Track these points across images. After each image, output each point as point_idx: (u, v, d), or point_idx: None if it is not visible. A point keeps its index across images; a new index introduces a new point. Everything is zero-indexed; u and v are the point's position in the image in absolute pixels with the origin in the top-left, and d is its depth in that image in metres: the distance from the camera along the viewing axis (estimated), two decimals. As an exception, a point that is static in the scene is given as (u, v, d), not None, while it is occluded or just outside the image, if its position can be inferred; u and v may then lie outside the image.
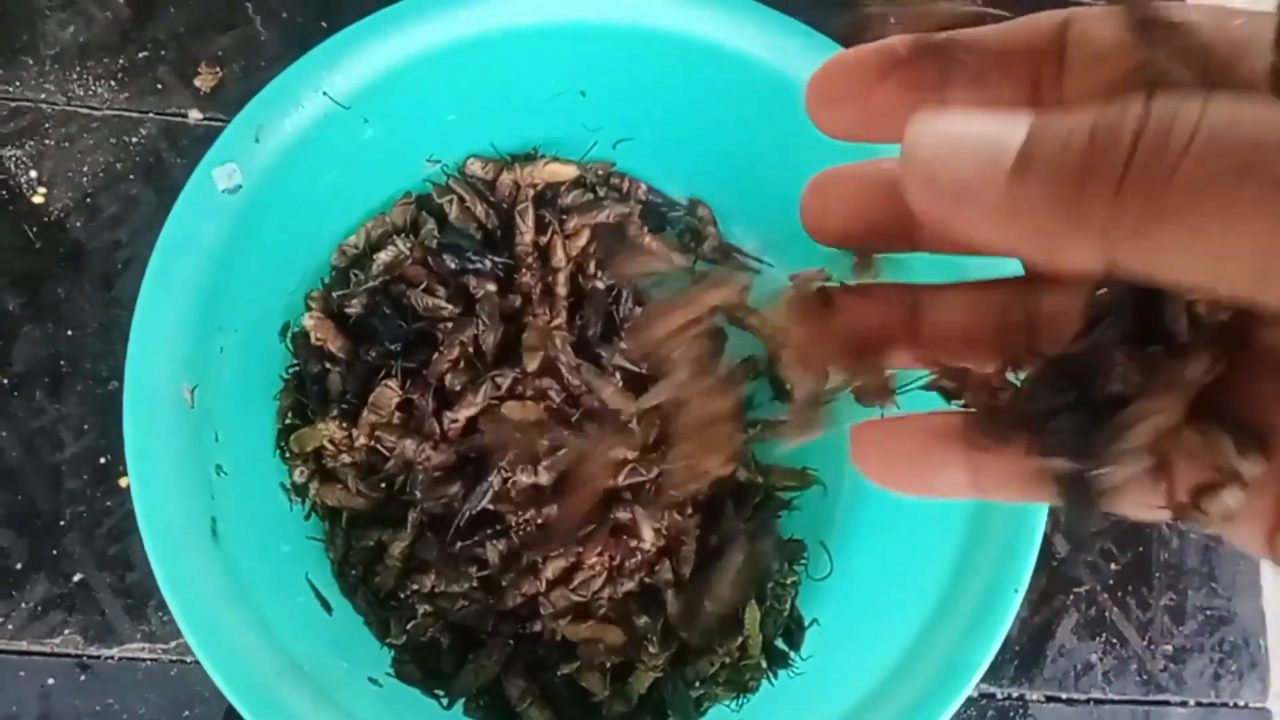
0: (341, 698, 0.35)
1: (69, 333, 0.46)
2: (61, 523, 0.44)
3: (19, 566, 0.44)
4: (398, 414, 0.42)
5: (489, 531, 0.41)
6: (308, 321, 0.43)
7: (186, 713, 0.43)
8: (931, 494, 0.21)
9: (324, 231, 0.43)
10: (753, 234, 0.49)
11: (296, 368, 0.44)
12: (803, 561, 0.43)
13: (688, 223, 0.50)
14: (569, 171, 0.47)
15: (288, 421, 0.43)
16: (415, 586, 0.41)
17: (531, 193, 0.47)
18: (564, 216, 0.47)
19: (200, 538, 0.34)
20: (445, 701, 0.40)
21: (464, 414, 0.42)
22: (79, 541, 0.44)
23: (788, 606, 0.43)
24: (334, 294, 0.43)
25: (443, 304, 0.43)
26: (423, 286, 0.44)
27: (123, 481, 0.45)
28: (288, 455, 0.42)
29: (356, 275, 0.43)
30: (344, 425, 0.41)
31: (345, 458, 0.42)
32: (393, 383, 0.42)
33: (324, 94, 0.39)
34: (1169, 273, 0.14)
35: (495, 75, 0.43)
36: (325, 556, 0.42)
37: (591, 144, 0.47)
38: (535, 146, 0.47)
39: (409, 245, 0.44)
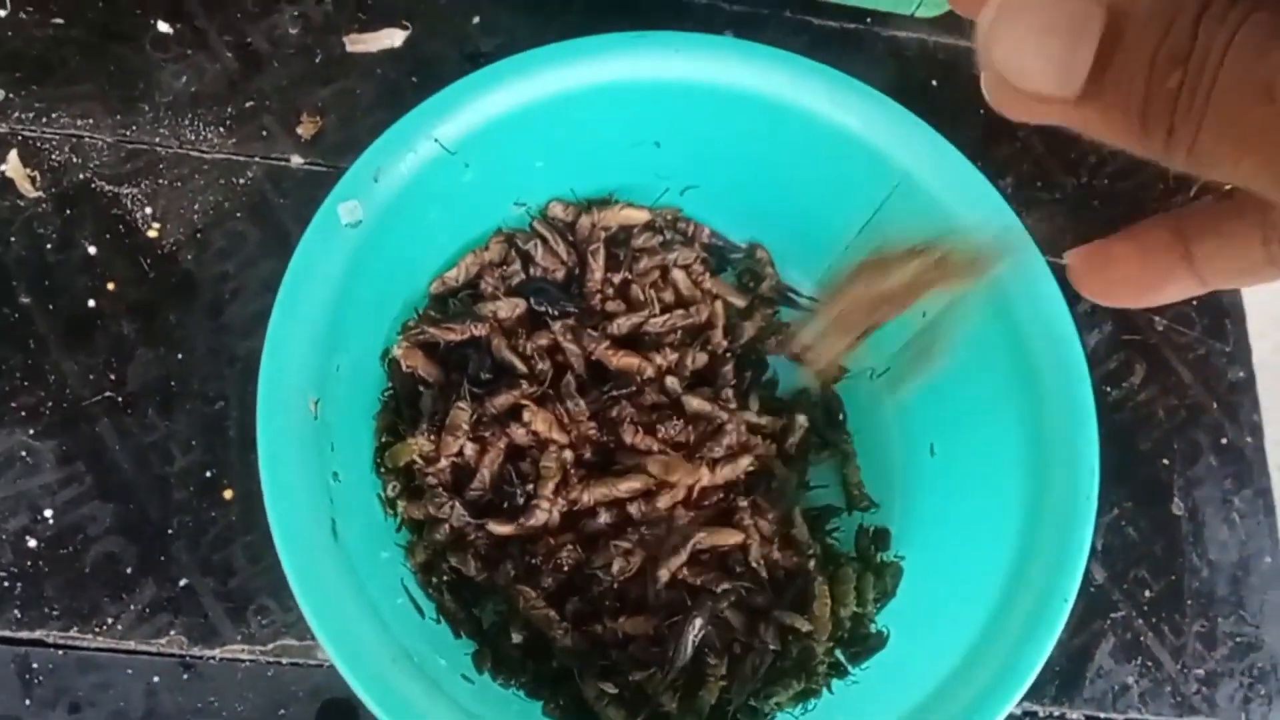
0: (447, 688, 0.38)
1: (179, 356, 0.50)
2: (169, 531, 0.48)
3: (129, 571, 0.47)
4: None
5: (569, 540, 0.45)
6: (397, 350, 0.46)
7: (282, 711, 0.46)
8: (1162, 300, 0.24)
9: (424, 264, 0.47)
10: (807, 276, 0.53)
11: (392, 390, 0.47)
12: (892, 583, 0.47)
13: (747, 264, 0.54)
14: (641, 216, 0.52)
15: (383, 440, 0.46)
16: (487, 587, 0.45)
17: (604, 235, 0.51)
18: (636, 257, 0.51)
19: (323, 536, 0.38)
20: (523, 694, 0.43)
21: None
22: (185, 549, 0.47)
23: (868, 626, 0.46)
24: (426, 324, 0.46)
25: (517, 361, 0.47)
26: (506, 336, 0.48)
27: (227, 494, 0.48)
28: (382, 470, 0.46)
29: (454, 304, 0.47)
30: (432, 439, 0.45)
31: (431, 479, 0.46)
32: (464, 404, 0.45)
33: (435, 140, 0.43)
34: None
35: (579, 127, 0.48)
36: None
37: (662, 191, 0.52)
38: (611, 192, 0.51)
39: (497, 284, 0.48)
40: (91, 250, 0.51)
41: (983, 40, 0.17)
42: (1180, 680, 0.53)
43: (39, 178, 0.52)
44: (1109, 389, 0.57)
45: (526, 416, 0.45)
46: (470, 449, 0.46)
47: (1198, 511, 0.55)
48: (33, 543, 0.47)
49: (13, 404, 0.48)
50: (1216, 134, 0.16)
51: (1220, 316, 0.60)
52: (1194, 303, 0.60)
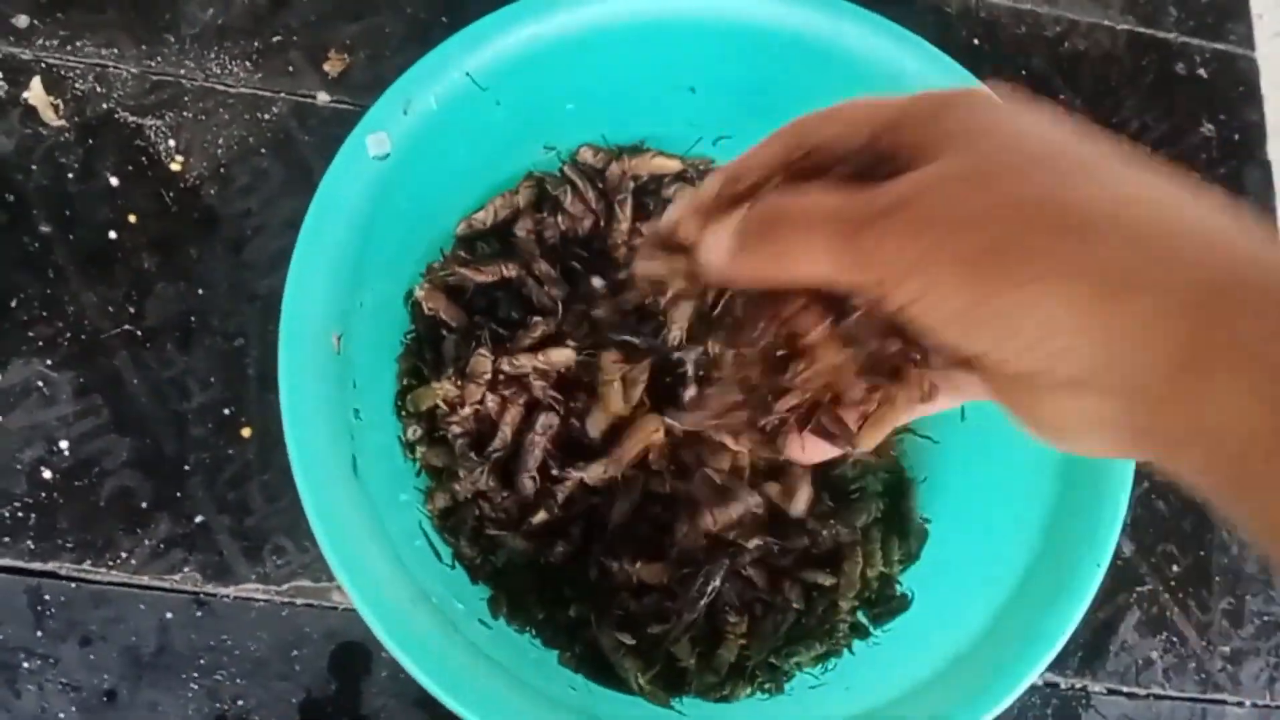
0: (465, 631, 0.37)
1: (199, 291, 0.49)
2: (186, 467, 0.47)
3: (144, 506, 0.46)
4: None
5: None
6: (419, 292, 0.46)
7: (295, 652, 0.45)
8: None
9: (452, 204, 0.46)
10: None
11: (414, 333, 0.46)
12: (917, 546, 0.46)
13: None
14: (673, 165, 0.50)
15: (405, 383, 0.45)
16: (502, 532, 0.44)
17: (632, 184, 0.50)
18: (667, 207, 0.50)
19: (344, 472, 0.37)
20: (539, 641, 0.42)
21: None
22: (201, 486, 0.47)
23: (894, 587, 0.45)
24: (456, 265, 0.45)
25: (548, 298, 0.46)
26: (539, 277, 0.47)
27: (244, 432, 0.48)
28: (404, 414, 0.45)
29: (483, 247, 0.46)
30: (458, 384, 0.44)
31: (456, 427, 0.45)
32: (485, 350, 0.45)
33: (466, 74, 0.42)
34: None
35: (612, 68, 0.46)
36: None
37: (696, 140, 0.50)
38: (643, 140, 0.50)
39: (531, 229, 0.47)
40: (113, 181, 0.50)
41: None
42: (1205, 657, 0.52)
43: (62, 106, 0.51)
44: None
45: (558, 355, 0.44)
46: (491, 401, 0.45)
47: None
48: (48, 474, 0.46)
49: (30, 333, 0.48)
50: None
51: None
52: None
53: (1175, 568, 0.53)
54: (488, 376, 0.44)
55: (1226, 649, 0.52)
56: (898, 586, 0.46)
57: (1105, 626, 0.51)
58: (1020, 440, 0.44)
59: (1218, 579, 0.53)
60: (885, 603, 0.45)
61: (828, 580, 0.43)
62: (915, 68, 0.45)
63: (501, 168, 0.48)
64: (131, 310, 0.49)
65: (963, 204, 0.23)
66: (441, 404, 0.44)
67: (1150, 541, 0.53)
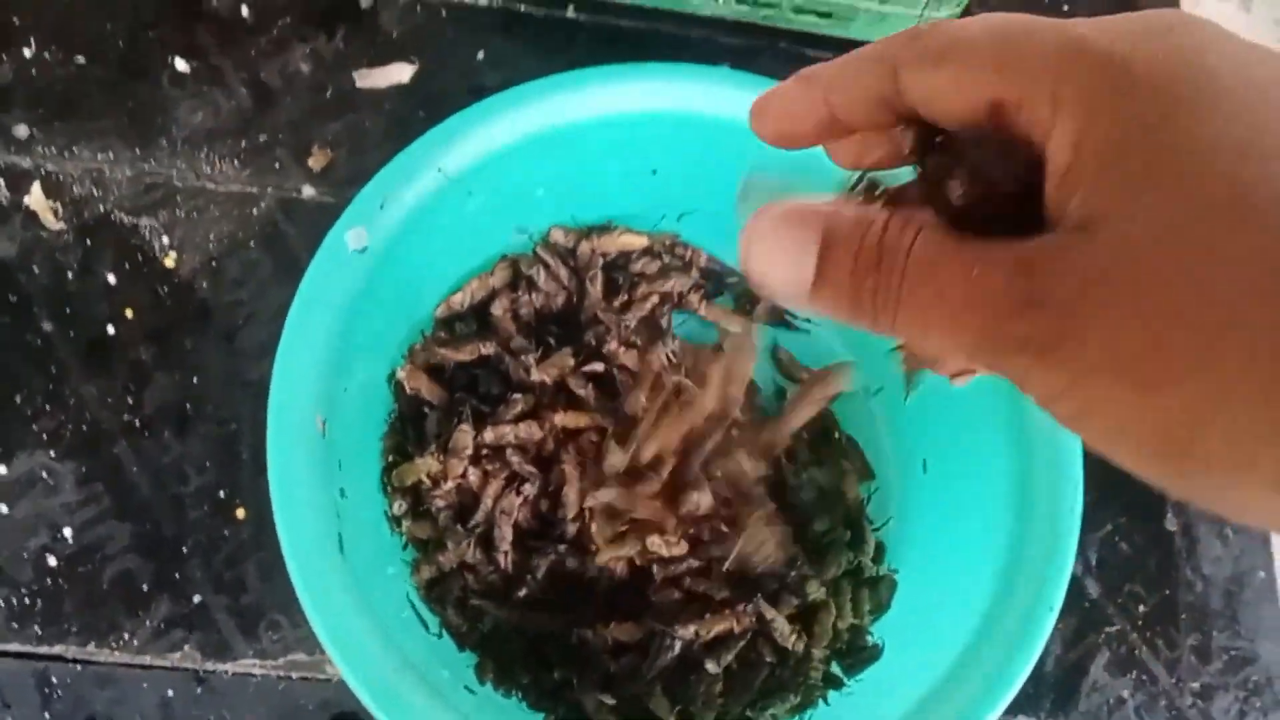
0: (450, 699, 0.39)
1: (194, 380, 0.52)
2: (184, 549, 0.49)
3: (145, 588, 0.48)
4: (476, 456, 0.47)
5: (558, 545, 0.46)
6: (401, 373, 0.48)
7: (292, 724, 0.47)
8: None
9: (430, 289, 0.49)
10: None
11: (398, 412, 0.49)
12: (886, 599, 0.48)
13: (743, 288, 0.55)
14: (639, 241, 0.53)
15: (390, 460, 0.48)
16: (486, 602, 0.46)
17: (602, 261, 0.52)
18: (636, 281, 0.53)
19: (330, 549, 0.39)
20: (525, 705, 0.44)
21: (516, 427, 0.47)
22: (199, 566, 0.49)
23: (865, 639, 0.47)
24: (435, 346, 0.48)
25: (527, 371, 0.48)
26: (515, 351, 0.49)
27: (239, 513, 0.50)
28: (390, 489, 0.47)
29: (461, 327, 0.49)
30: (441, 459, 0.46)
31: (440, 500, 0.47)
32: (466, 425, 0.47)
33: (439, 170, 0.45)
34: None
35: (578, 156, 0.49)
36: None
37: (660, 217, 0.53)
38: (610, 219, 0.53)
39: (507, 307, 0.49)
40: (111, 279, 0.53)
41: (741, 258, 0.24)
42: (1175, 694, 0.54)
43: (61, 209, 0.54)
44: (1101, 407, 0.58)
45: (540, 425, 0.46)
46: (474, 475, 0.47)
47: (1191, 527, 0.56)
48: (53, 561, 0.48)
49: (34, 426, 0.50)
50: (906, 322, 0.21)
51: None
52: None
53: (1141, 607, 0.55)
54: (469, 451, 0.47)
55: (1196, 685, 0.54)
56: (869, 637, 0.48)
57: (1075, 668, 0.53)
58: (976, 490, 0.46)
59: (1184, 616, 0.55)
60: (857, 653, 0.47)
61: (800, 636, 0.45)
62: None
63: (477, 252, 0.51)
64: (130, 400, 0.51)
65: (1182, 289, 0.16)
66: (425, 479, 0.47)
67: (1116, 582, 0.55)
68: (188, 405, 0.51)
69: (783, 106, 0.25)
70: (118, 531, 0.49)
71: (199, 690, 0.47)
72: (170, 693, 0.47)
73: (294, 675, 0.48)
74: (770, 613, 0.45)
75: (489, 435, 0.47)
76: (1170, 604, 0.55)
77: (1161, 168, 0.17)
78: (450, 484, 0.47)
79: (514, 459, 0.47)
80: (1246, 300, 0.16)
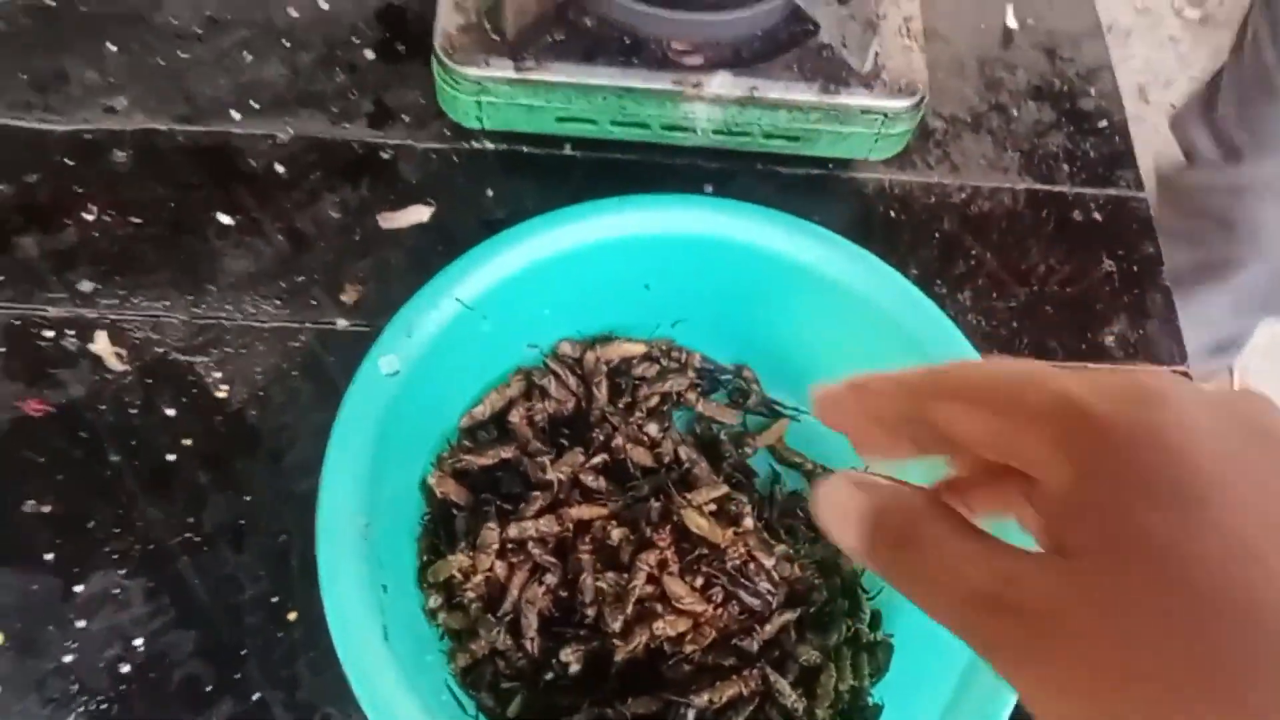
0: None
1: (247, 498, 0.57)
2: (242, 652, 0.54)
3: (209, 689, 0.53)
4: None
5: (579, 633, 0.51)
6: (431, 479, 0.54)
7: (346, 809, 0.52)
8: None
9: (454, 403, 0.55)
10: (788, 390, 0.61)
11: (429, 515, 0.54)
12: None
13: (736, 384, 0.61)
14: (638, 349, 0.59)
15: (425, 558, 0.53)
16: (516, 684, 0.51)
17: (606, 367, 0.58)
18: (638, 384, 0.59)
19: (376, 640, 0.44)
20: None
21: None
22: (257, 667, 0.54)
23: (866, 699, 0.52)
24: (462, 454, 0.54)
25: (544, 471, 0.54)
26: (532, 454, 0.55)
27: (291, 616, 0.55)
28: (425, 585, 0.52)
29: (483, 435, 0.55)
30: (470, 555, 0.52)
31: (470, 592, 0.52)
32: (492, 524, 0.52)
33: (457, 299, 0.51)
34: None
35: (580, 277, 0.56)
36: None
37: (656, 325, 0.60)
38: (611, 330, 0.59)
39: (522, 414, 0.55)
40: (170, 412, 0.59)
41: (811, 507, 0.31)
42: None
43: (124, 353, 0.61)
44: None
45: (558, 519, 0.51)
46: (500, 567, 0.52)
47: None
48: (125, 669, 0.53)
49: (105, 549, 0.56)
50: (922, 595, 0.27)
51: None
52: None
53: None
54: (495, 547, 0.52)
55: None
56: (869, 698, 0.52)
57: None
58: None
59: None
60: (859, 713, 0.51)
61: (802, 698, 0.50)
62: (822, 253, 0.54)
63: (493, 368, 0.57)
64: (190, 520, 0.57)
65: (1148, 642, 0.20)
66: (457, 574, 0.52)
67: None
68: (242, 521, 0.57)
69: (836, 404, 0.32)
70: (183, 639, 0.54)
71: (260, 782, 0.52)
72: (234, 785, 0.52)
73: (346, 763, 0.52)
74: (774, 676, 0.50)
75: (513, 531, 0.52)
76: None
77: (1132, 539, 0.21)
78: (479, 577, 0.52)
79: (535, 551, 0.52)
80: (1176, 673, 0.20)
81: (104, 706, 0.53)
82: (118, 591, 0.55)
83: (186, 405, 0.60)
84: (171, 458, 0.58)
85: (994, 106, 0.75)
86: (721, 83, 0.63)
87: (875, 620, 0.55)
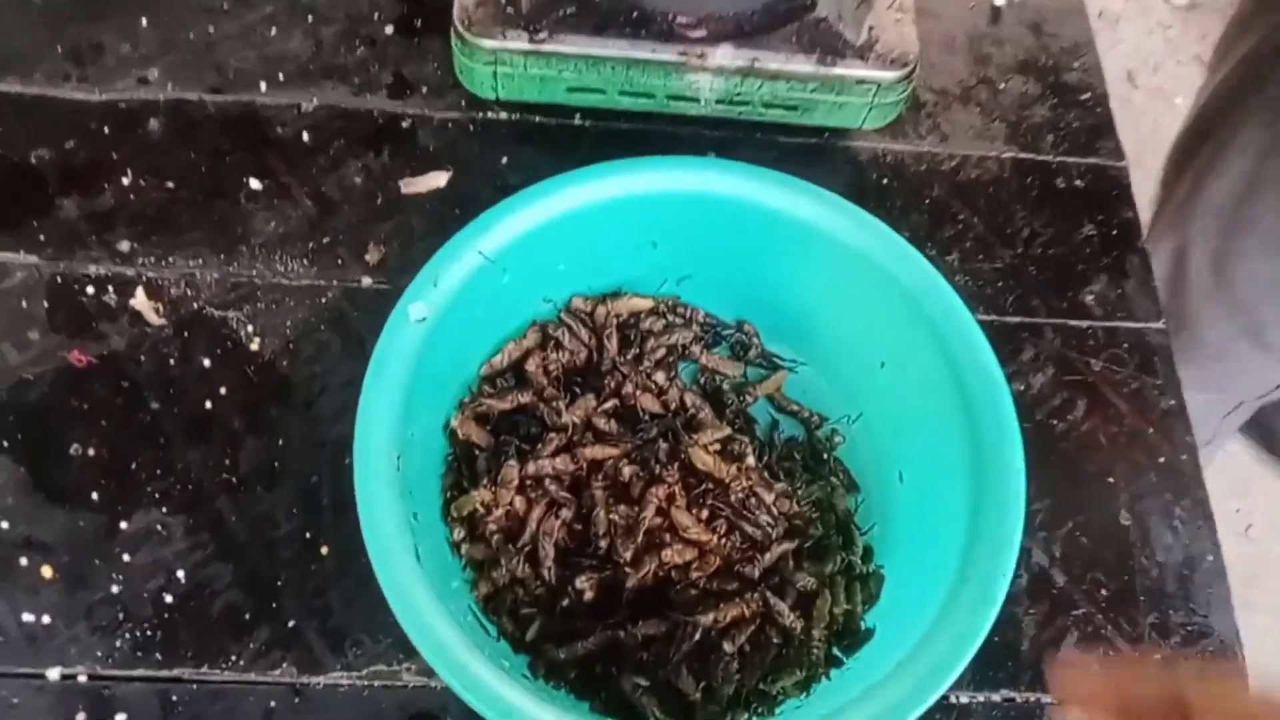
0: (513, 681, 0.48)
1: (280, 443, 0.61)
2: (279, 583, 0.58)
3: (247, 617, 0.57)
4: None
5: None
6: (454, 421, 0.58)
7: (376, 725, 0.56)
8: None
9: (475, 351, 0.59)
10: (787, 343, 0.65)
11: (453, 455, 0.58)
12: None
13: (737, 338, 0.65)
14: (646, 304, 0.63)
15: (449, 495, 0.57)
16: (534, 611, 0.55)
17: (616, 321, 0.62)
18: (644, 337, 0.62)
19: (409, 559, 0.48)
20: (573, 695, 0.53)
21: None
22: (292, 597, 0.58)
23: (858, 623, 0.56)
24: (483, 398, 0.58)
25: (559, 415, 0.58)
26: (548, 400, 0.59)
27: (323, 550, 0.59)
28: (450, 519, 0.56)
29: (502, 382, 0.59)
30: (492, 490, 0.56)
31: (492, 525, 0.56)
32: (512, 461, 0.56)
33: (480, 252, 0.55)
34: None
35: (591, 235, 0.60)
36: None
37: (662, 282, 0.63)
38: (620, 286, 0.63)
39: (538, 363, 0.60)
40: (206, 363, 0.63)
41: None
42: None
43: (161, 308, 0.65)
44: (1055, 422, 0.67)
45: (572, 459, 0.56)
46: (519, 502, 0.56)
47: (1144, 520, 0.65)
48: (169, 599, 0.57)
49: (149, 489, 0.60)
50: None
51: (1150, 355, 0.70)
52: (1125, 344, 0.70)
53: (1104, 592, 0.62)
54: (515, 483, 0.56)
55: (1158, 656, 0.61)
56: (862, 623, 0.56)
57: (1049, 646, 0.61)
58: (942, 489, 0.55)
59: (1143, 599, 0.63)
60: (852, 635, 0.55)
61: (800, 618, 0.54)
62: (818, 211, 0.58)
63: (511, 320, 0.61)
64: (227, 463, 0.61)
65: None
66: (479, 507, 0.56)
67: (1079, 572, 0.63)
68: (275, 464, 0.61)
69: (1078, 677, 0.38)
70: (222, 572, 0.58)
71: (296, 700, 0.56)
72: (273, 704, 0.56)
73: (376, 684, 0.56)
74: (774, 599, 0.54)
75: (530, 469, 0.56)
76: (1130, 588, 0.63)
77: None
78: (500, 511, 0.56)
79: (552, 487, 0.56)
80: None
81: (150, 633, 0.57)
82: (160, 528, 0.59)
83: (221, 357, 0.63)
84: (208, 405, 0.62)
85: (982, 80, 0.79)
86: (724, 54, 0.67)
87: (867, 554, 0.59)
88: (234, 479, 0.60)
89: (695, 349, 0.64)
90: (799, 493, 0.60)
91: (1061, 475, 0.65)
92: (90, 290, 0.65)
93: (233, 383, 0.63)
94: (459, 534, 0.56)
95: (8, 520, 0.58)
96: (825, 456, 0.62)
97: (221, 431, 0.62)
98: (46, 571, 0.57)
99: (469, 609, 0.54)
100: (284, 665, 0.56)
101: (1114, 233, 0.74)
